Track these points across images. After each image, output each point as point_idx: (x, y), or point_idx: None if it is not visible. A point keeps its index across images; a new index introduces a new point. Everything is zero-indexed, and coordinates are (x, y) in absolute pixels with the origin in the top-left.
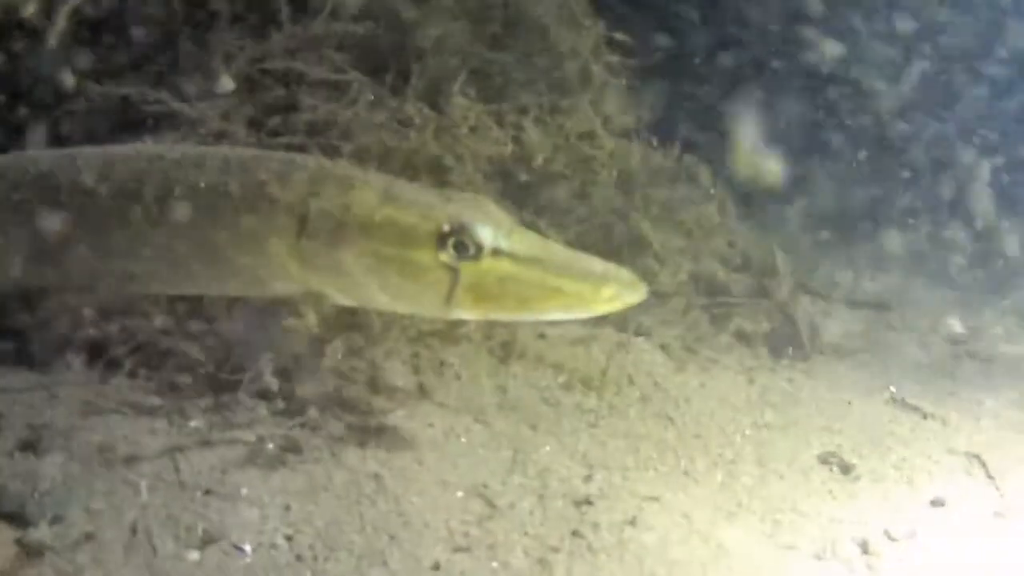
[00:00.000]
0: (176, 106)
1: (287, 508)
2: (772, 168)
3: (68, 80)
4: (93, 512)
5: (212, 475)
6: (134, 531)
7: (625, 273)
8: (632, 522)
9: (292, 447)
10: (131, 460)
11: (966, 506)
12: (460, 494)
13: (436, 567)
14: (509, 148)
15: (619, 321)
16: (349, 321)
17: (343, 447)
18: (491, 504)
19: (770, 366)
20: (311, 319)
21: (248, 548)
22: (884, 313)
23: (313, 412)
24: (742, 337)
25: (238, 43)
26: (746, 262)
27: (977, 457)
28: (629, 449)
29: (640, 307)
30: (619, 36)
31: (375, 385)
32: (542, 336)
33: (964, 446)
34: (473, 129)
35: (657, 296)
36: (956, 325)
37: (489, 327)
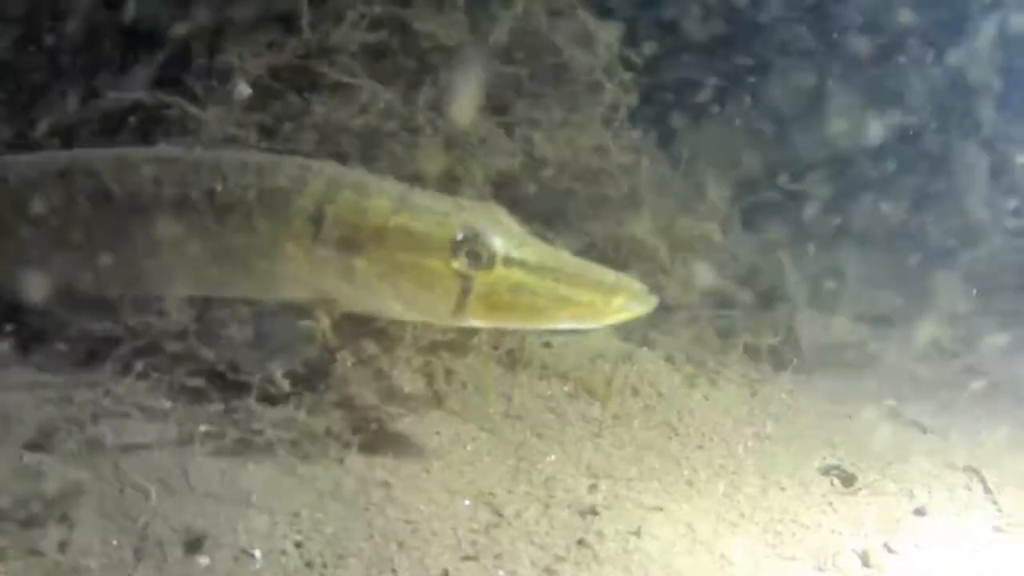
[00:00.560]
0: (191, 111)
1: (296, 514)
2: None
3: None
4: (104, 515)
5: (222, 481)
6: (144, 536)
7: (635, 284)
8: (637, 532)
9: (301, 453)
10: (141, 465)
11: (965, 520)
12: (467, 502)
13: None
14: (519, 160)
15: (624, 332)
16: (358, 329)
17: (351, 453)
18: (498, 513)
19: (772, 378)
20: (325, 322)
21: (258, 554)
22: (885, 326)
23: (322, 417)
24: (745, 349)
25: (255, 50)
26: (751, 275)
27: (976, 472)
28: (633, 459)
29: (645, 319)
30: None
31: (383, 392)
32: (548, 345)
33: (963, 460)
34: (483, 140)
35: (662, 308)
36: (955, 338)
37: (497, 336)
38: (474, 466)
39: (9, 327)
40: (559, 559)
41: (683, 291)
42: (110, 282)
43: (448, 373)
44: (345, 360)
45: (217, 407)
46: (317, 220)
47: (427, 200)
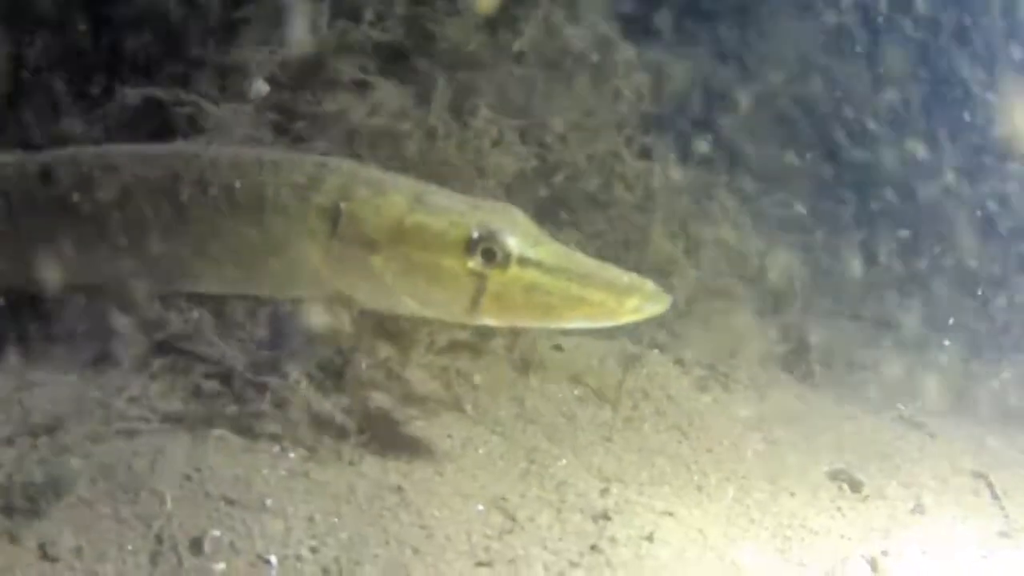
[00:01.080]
0: (209, 108)
1: (311, 519)
2: None
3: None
4: (119, 520)
5: (236, 485)
6: (160, 540)
7: (649, 284)
8: (649, 537)
9: (314, 457)
10: (155, 469)
11: (972, 525)
12: (480, 507)
13: None
14: (532, 163)
15: (634, 334)
16: (372, 331)
17: (364, 457)
18: (511, 517)
19: (780, 381)
20: (343, 320)
21: (274, 560)
22: (890, 330)
23: (334, 420)
24: (755, 352)
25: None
26: (760, 278)
27: (984, 477)
28: (644, 463)
29: (655, 321)
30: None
31: (396, 393)
32: (558, 348)
33: (970, 466)
34: (496, 143)
35: (672, 311)
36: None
37: (511, 339)
38: (487, 470)
39: (23, 324)
40: (573, 564)
41: (694, 293)
42: (126, 278)
43: (460, 375)
44: (359, 361)
45: (231, 410)
46: (333, 217)
47: (443, 199)
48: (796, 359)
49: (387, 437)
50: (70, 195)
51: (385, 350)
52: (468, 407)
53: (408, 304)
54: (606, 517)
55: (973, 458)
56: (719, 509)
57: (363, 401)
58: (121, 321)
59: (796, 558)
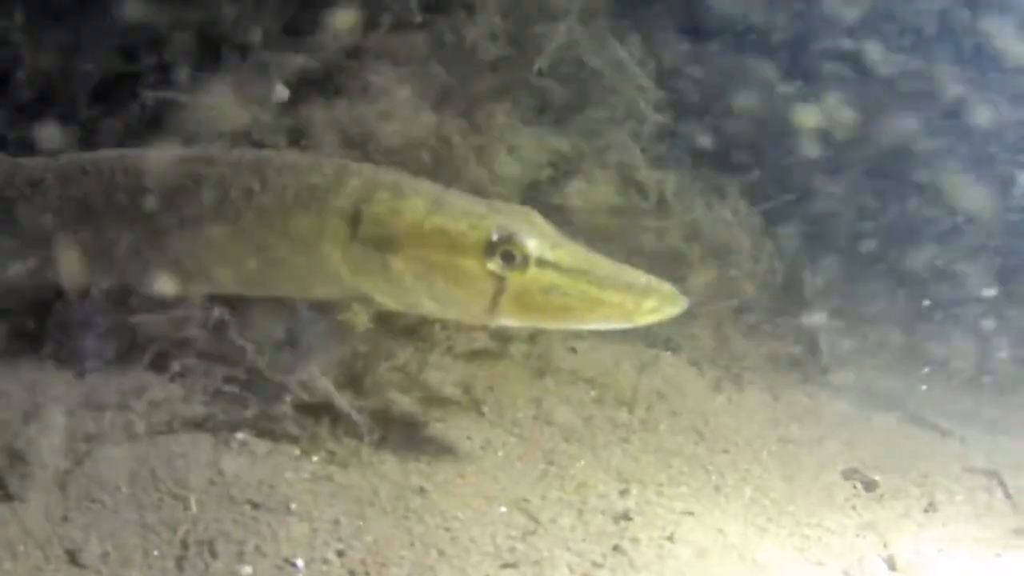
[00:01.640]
0: (229, 112)
1: (336, 522)
2: None
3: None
4: (145, 526)
5: (260, 489)
6: (185, 545)
7: (666, 286)
8: (670, 537)
9: (337, 460)
10: (180, 473)
11: (986, 524)
12: (503, 509)
13: None
14: (547, 172)
15: (649, 336)
16: (392, 334)
17: (385, 459)
18: (534, 519)
19: (793, 381)
20: (364, 317)
21: (301, 563)
22: (900, 331)
23: (356, 423)
24: (767, 353)
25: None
26: (773, 280)
27: (996, 475)
28: (661, 464)
29: (670, 323)
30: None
31: (416, 395)
32: (574, 351)
33: (983, 464)
34: (512, 150)
35: (688, 312)
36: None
37: (530, 342)
38: (507, 471)
39: (43, 325)
40: (596, 565)
41: (708, 296)
42: (152, 280)
43: (478, 378)
44: (379, 365)
45: (253, 412)
46: (354, 220)
47: (462, 201)
48: (808, 359)
49: (407, 439)
50: (93, 197)
51: (404, 354)
52: (486, 409)
53: (428, 305)
54: (627, 518)
55: (985, 457)
56: (737, 509)
57: (383, 403)
58: (140, 322)
59: (814, 557)
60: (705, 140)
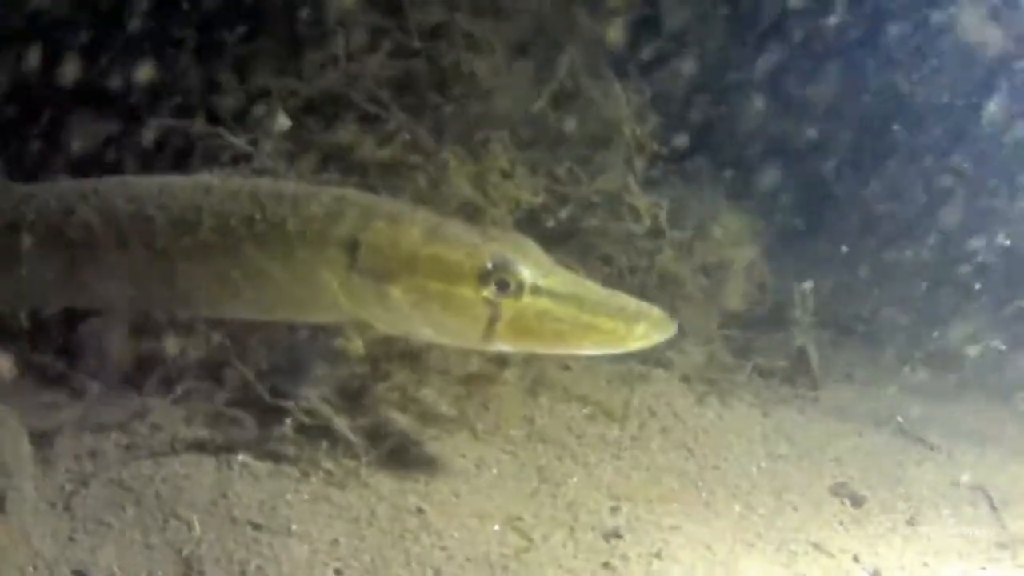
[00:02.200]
0: (234, 141)
1: (335, 543)
2: None
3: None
4: (150, 546)
5: (262, 510)
6: (189, 566)
7: (656, 312)
8: (658, 555)
9: (335, 480)
10: (182, 495)
11: (971, 537)
12: (497, 527)
13: None
14: (540, 197)
15: (641, 353)
16: (386, 352)
17: (382, 478)
18: (527, 537)
19: (783, 397)
20: (359, 344)
21: None
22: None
23: (353, 442)
24: (758, 369)
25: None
26: (765, 295)
27: (982, 489)
28: (652, 481)
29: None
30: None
31: (411, 414)
32: (567, 368)
33: (969, 478)
34: (506, 175)
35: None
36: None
37: (524, 362)
38: (500, 489)
39: (45, 349)
40: None
41: (699, 313)
42: (151, 305)
43: (471, 396)
44: (375, 385)
45: (253, 434)
46: (352, 249)
47: (458, 230)
48: (799, 375)
49: (404, 458)
50: (94, 223)
51: (401, 374)
52: (480, 427)
53: (425, 331)
54: (617, 535)
55: (971, 470)
56: (726, 525)
57: (380, 422)
58: (143, 346)
59: (801, 572)
60: (697, 160)
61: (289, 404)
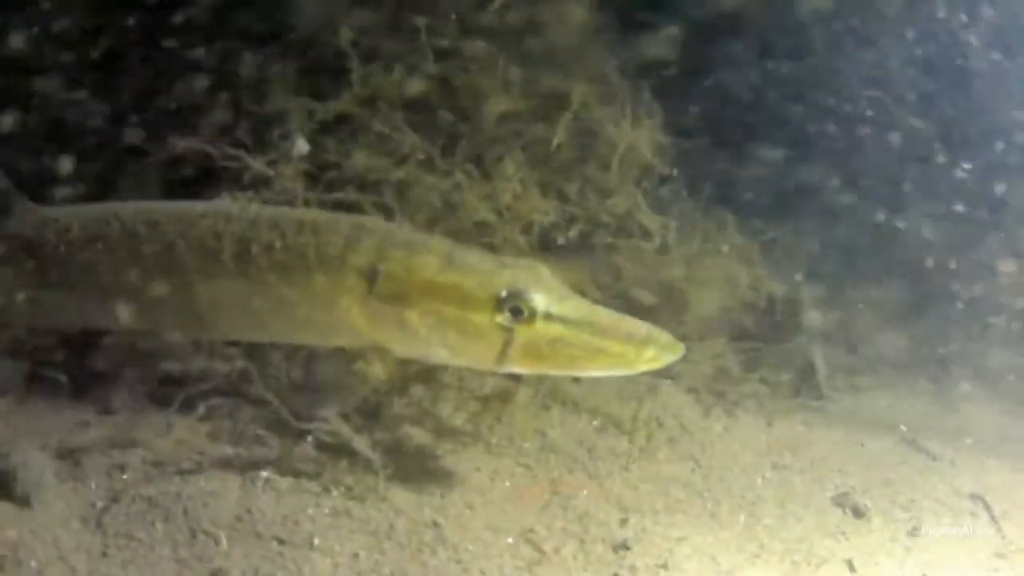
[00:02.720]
0: (254, 165)
1: (356, 556)
2: None
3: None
4: (180, 561)
5: (285, 525)
6: None
7: (664, 336)
8: (665, 565)
9: (355, 495)
10: (208, 511)
11: (970, 547)
12: (510, 540)
13: None
14: (551, 217)
15: None
16: (404, 372)
17: (400, 492)
18: (539, 549)
19: (789, 408)
20: (378, 367)
21: None
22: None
23: (372, 459)
24: (764, 380)
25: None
26: (771, 308)
27: (982, 499)
28: (659, 492)
29: None
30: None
31: (428, 428)
32: (577, 381)
33: (970, 488)
34: (518, 196)
35: (688, 342)
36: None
37: (537, 377)
38: (514, 502)
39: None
40: None
41: (707, 326)
42: (174, 327)
43: (487, 410)
44: (393, 400)
45: (276, 451)
46: (371, 276)
47: (473, 258)
48: (804, 385)
49: (421, 472)
50: (118, 248)
51: (417, 391)
52: (494, 440)
53: (441, 355)
54: (626, 547)
55: (972, 480)
56: (731, 536)
57: (398, 436)
58: (167, 366)
59: None
60: (706, 181)
61: (310, 423)
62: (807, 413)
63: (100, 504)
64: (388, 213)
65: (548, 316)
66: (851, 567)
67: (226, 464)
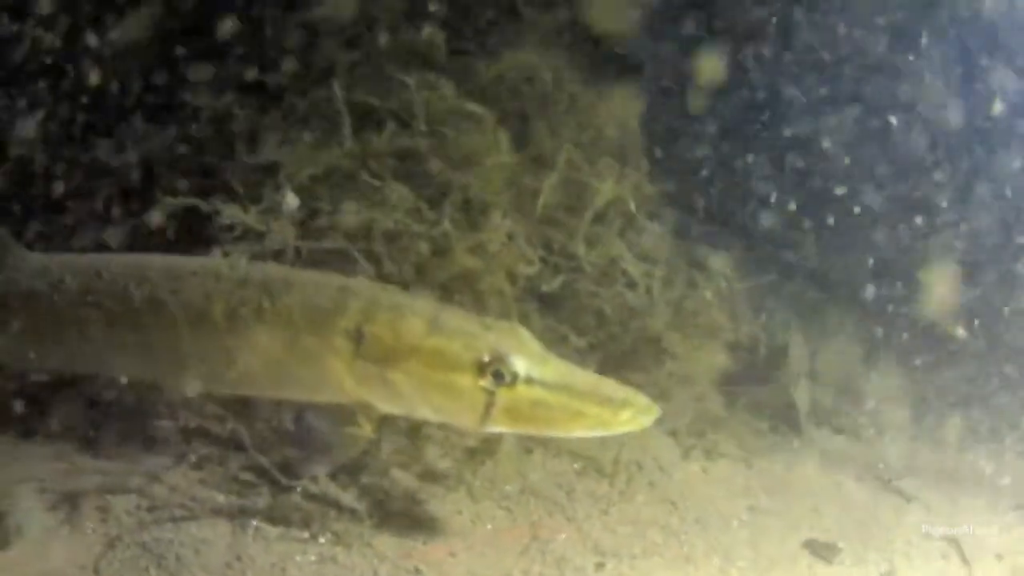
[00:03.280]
0: (245, 220)
1: None
2: None
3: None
4: None
5: (273, 572)
6: None
7: (641, 398)
8: None
9: (341, 541)
10: (199, 558)
11: None
12: None
13: None
14: (536, 266)
15: None
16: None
17: (385, 539)
18: None
19: (768, 447)
20: (368, 428)
21: None
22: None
23: (356, 507)
24: (744, 422)
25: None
26: (754, 350)
27: (955, 540)
28: (637, 535)
29: (651, 393)
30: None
31: (412, 471)
32: None
33: (943, 531)
34: (505, 245)
35: (669, 385)
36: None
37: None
38: (494, 547)
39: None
40: None
41: (689, 369)
42: (165, 380)
43: (470, 454)
44: (378, 448)
45: (266, 500)
46: (357, 339)
47: (457, 321)
48: (785, 424)
49: (405, 519)
50: (107, 300)
51: (403, 441)
52: (477, 483)
53: (425, 412)
54: None
55: (947, 522)
56: None
57: (384, 485)
58: (162, 415)
59: None
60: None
61: (298, 478)
62: (787, 453)
63: (96, 550)
64: (377, 260)
65: (529, 380)
66: None
67: (217, 511)
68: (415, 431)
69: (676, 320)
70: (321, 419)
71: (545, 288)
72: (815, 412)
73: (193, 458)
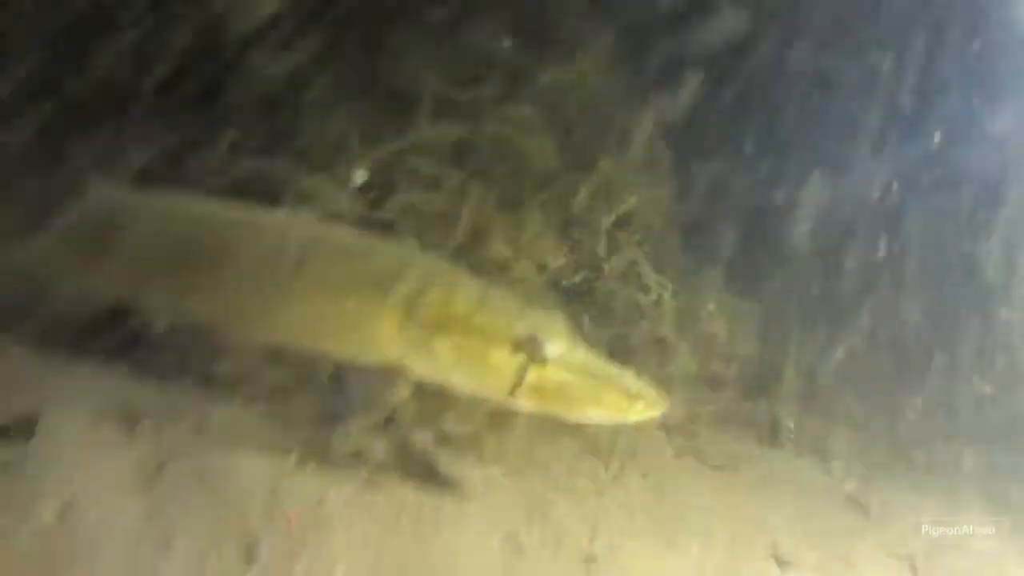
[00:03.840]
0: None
1: (367, 538)
2: None
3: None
4: (219, 526)
5: (311, 502)
6: (249, 552)
7: (653, 392)
8: None
9: (369, 486)
10: (243, 494)
11: None
12: (495, 542)
13: None
14: (562, 260)
15: None
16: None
17: (407, 490)
18: (519, 551)
19: (752, 456)
20: (405, 391)
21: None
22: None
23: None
24: (735, 428)
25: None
26: (748, 363)
27: (909, 560)
28: (626, 517)
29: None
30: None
31: (433, 434)
32: None
33: (902, 550)
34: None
35: (670, 387)
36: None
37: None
38: (502, 509)
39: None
40: None
41: (688, 375)
42: (224, 323)
43: (487, 425)
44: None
45: (306, 436)
46: (410, 305)
47: (501, 300)
48: (770, 437)
49: (424, 474)
50: (175, 241)
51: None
52: (487, 450)
53: (457, 380)
54: (593, 560)
55: (905, 542)
56: (683, 563)
57: (407, 442)
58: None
59: None
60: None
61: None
62: (769, 463)
63: (148, 470)
64: (423, 237)
65: (559, 361)
66: None
67: (261, 445)
68: (436, 397)
69: (680, 326)
70: (363, 377)
71: (565, 282)
72: (800, 426)
73: (244, 396)
